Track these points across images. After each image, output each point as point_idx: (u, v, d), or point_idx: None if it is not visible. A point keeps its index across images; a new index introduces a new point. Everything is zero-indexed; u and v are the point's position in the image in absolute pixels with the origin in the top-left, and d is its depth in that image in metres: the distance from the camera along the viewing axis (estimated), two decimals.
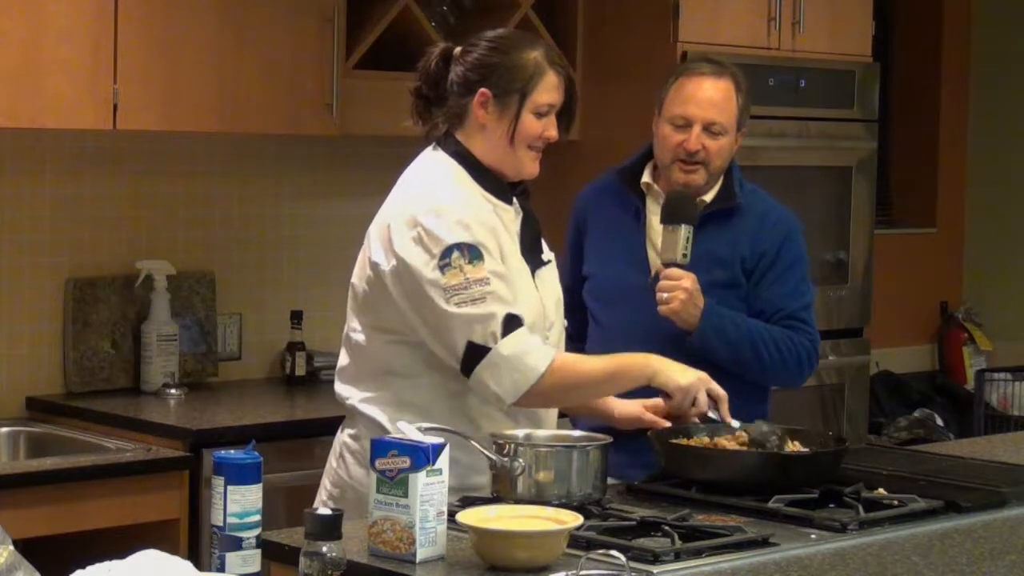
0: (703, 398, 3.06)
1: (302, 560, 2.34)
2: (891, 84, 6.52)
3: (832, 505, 2.89)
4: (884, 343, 6.14)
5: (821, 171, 5.27)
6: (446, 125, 3.09)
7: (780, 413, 3.65)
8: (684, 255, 3.41)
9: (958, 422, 6.41)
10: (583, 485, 2.80)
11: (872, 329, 5.49)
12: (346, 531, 2.43)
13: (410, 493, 2.49)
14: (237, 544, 2.46)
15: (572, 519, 2.52)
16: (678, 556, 2.53)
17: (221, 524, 2.46)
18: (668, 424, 3.25)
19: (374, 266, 3.02)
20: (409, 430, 2.58)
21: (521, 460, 2.79)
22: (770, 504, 2.83)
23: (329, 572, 2.33)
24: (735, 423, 3.12)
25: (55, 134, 4.31)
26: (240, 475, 2.46)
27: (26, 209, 4.33)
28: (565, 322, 3.23)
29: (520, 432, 2.92)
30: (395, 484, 2.50)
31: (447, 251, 2.92)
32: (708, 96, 3.51)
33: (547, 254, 3.19)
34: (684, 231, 3.40)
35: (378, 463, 2.53)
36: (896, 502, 2.91)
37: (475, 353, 2.91)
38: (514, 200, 3.11)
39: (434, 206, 2.97)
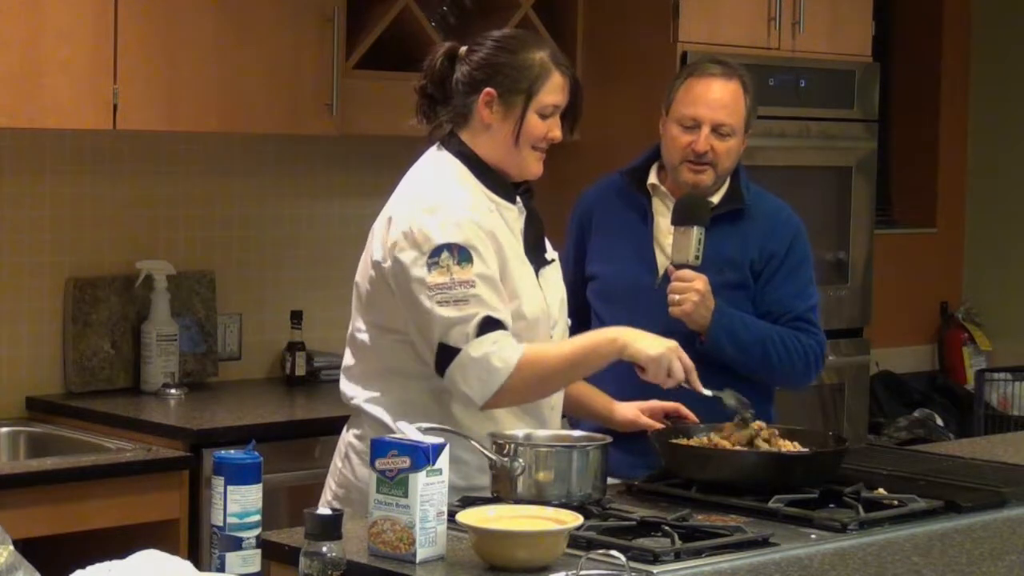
0: (677, 367, 3.00)
1: (302, 560, 2.35)
2: (891, 84, 6.52)
3: (832, 505, 2.89)
4: (884, 343, 6.14)
5: (821, 171, 5.27)
6: (450, 124, 3.09)
7: (780, 413, 3.65)
8: (696, 257, 3.41)
9: (958, 422, 6.41)
10: (583, 485, 2.80)
11: (872, 329, 5.49)
12: (347, 531, 2.44)
13: (410, 493, 2.49)
14: (237, 544, 2.46)
15: (572, 519, 2.52)
16: (678, 556, 2.53)
17: (221, 524, 2.46)
18: (664, 426, 3.25)
19: (376, 265, 3.02)
20: (409, 430, 2.58)
21: (521, 460, 2.79)
22: (770, 504, 2.84)
23: (329, 572, 2.33)
24: (707, 391, 3.11)
25: (55, 134, 4.31)
26: (240, 475, 2.46)
27: (26, 209, 4.34)
28: (569, 321, 3.23)
29: (520, 432, 2.92)
30: (395, 484, 2.50)
31: (437, 250, 2.92)
32: (717, 97, 3.52)
33: (551, 253, 3.19)
34: (696, 233, 3.41)
35: (378, 463, 2.53)
36: (896, 502, 2.91)
37: (446, 354, 2.91)
38: (518, 199, 3.12)
39: (431, 205, 2.97)
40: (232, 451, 2.50)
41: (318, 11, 4.39)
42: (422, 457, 2.49)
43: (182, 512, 3.91)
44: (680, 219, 3.44)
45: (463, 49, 3.09)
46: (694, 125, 3.51)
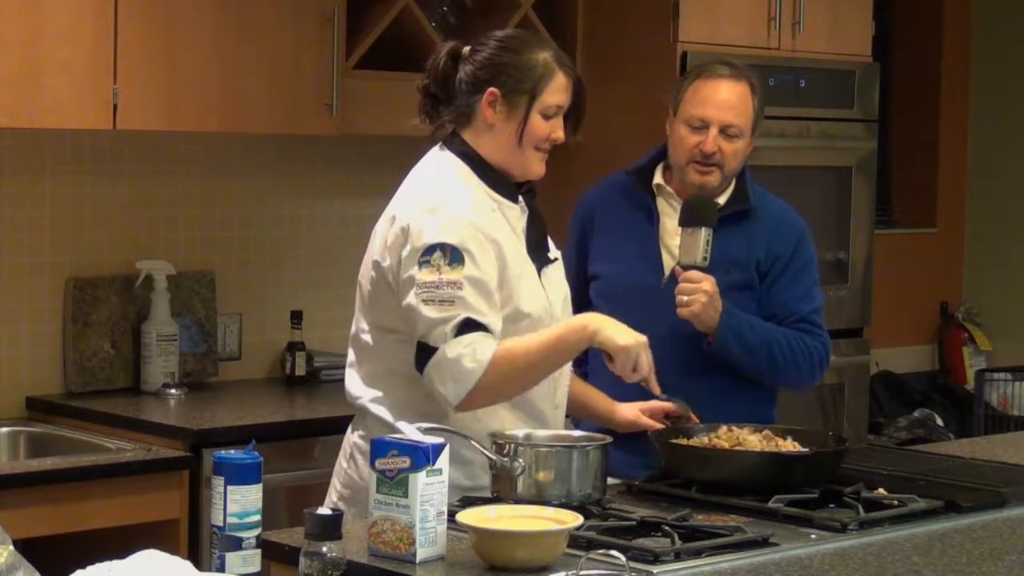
0: (643, 361, 2.99)
1: (302, 560, 2.35)
2: (891, 84, 6.52)
3: (832, 505, 2.89)
4: (884, 343, 6.14)
5: (821, 171, 5.27)
6: (453, 124, 3.09)
7: (781, 413, 3.65)
8: (704, 257, 3.41)
9: (958, 422, 6.41)
10: (583, 485, 2.80)
11: (872, 329, 5.49)
12: (347, 531, 2.44)
13: (410, 493, 2.49)
14: (237, 544, 2.46)
15: (572, 519, 2.52)
16: (678, 556, 2.53)
17: (221, 524, 2.46)
18: (664, 426, 3.25)
19: (376, 265, 3.03)
20: (409, 430, 2.58)
21: (521, 460, 2.79)
22: (770, 504, 2.84)
23: (329, 572, 2.33)
24: (662, 394, 3.12)
25: (55, 134, 4.31)
26: (240, 475, 2.46)
27: (26, 209, 4.34)
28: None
29: (520, 432, 2.92)
30: (395, 484, 2.50)
31: (430, 249, 2.92)
32: (725, 98, 3.52)
33: (553, 252, 3.19)
34: (704, 234, 3.41)
35: (378, 463, 2.53)
36: (896, 502, 2.91)
37: (424, 352, 2.91)
38: (520, 199, 3.12)
39: (432, 205, 2.97)
40: (232, 451, 2.50)
41: (318, 11, 4.39)
42: (422, 457, 2.49)
43: (182, 512, 3.91)
44: (688, 220, 3.44)
45: (466, 49, 3.09)
46: (702, 126, 3.51)
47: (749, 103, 3.55)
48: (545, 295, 3.10)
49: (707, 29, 4.88)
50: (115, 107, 4.03)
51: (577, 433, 3.02)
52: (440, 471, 2.52)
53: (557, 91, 3.06)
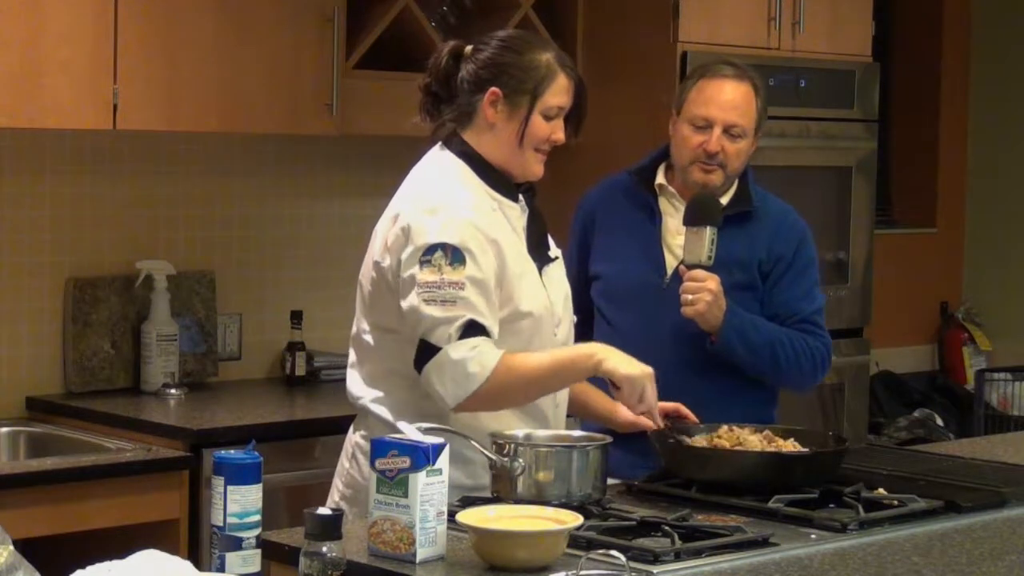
0: (650, 392, 2.99)
1: (302, 560, 2.35)
2: (891, 84, 6.52)
3: (832, 505, 2.89)
4: (884, 343, 6.14)
5: (821, 171, 5.27)
6: (453, 124, 3.09)
7: (781, 413, 3.65)
8: (709, 257, 3.41)
9: (958, 422, 6.41)
10: (583, 485, 2.80)
11: (872, 329, 5.49)
12: (347, 531, 2.43)
13: (410, 493, 2.49)
14: (237, 544, 2.46)
15: (572, 519, 2.52)
16: (678, 556, 2.53)
17: (221, 524, 2.46)
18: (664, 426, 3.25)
19: (376, 265, 3.03)
20: (409, 430, 2.58)
21: (521, 460, 2.79)
22: (770, 504, 2.84)
23: (329, 572, 2.33)
24: (663, 425, 3.13)
25: (55, 134, 4.31)
26: (240, 475, 2.46)
27: (26, 209, 4.34)
28: (575, 318, 3.23)
29: (520, 432, 2.92)
30: (395, 484, 2.50)
31: (431, 248, 2.92)
32: (729, 99, 3.52)
33: (554, 250, 3.19)
34: (709, 233, 3.41)
35: (378, 463, 2.53)
36: (896, 502, 2.91)
37: (426, 351, 2.91)
38: (520, 197, 3.12)
39: (432, 206, 2.97)
40: (232, 451, 2.50)
41: (318, 11, 4.39)
42: (422, 457, 2.49)
43: (182, 512, 3.91)
44: (692, 219, 3.45)
45: (468, 48, 3.09)
46: (706, 125, 3.51)
47: (753, 103, 3.55)
48: (546, 294, 3.10)
49: (707, 29, 4.88)
50: (115, 107, 4.03)
51: (577, 433, 3.02)
52: (440, 471, 2.52)
53: (559, 92, 3.06)
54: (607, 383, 3.03)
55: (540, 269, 3.11)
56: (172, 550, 2.34)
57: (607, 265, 3.61)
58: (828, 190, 5.30)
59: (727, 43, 4.87)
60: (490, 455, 2.81)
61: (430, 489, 2.50)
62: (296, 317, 4.74)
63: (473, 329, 2.90)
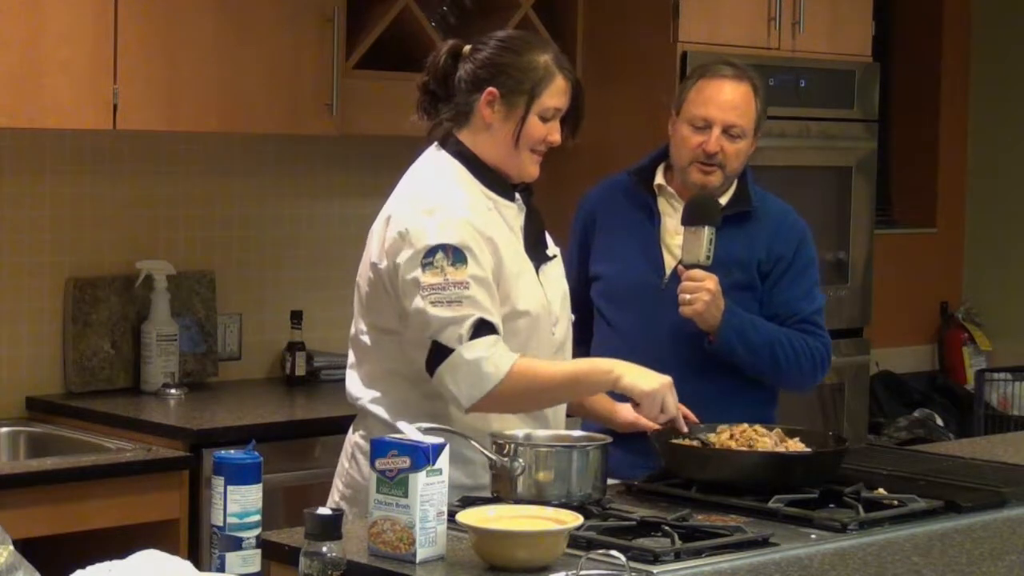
0: (671, 402, 3.01)
1: (302, 560, 2.35)
2: (891, 84, 6.52)
3: (832, 505, 2.89)
4: (884, 343, 6.14)
5: (821, 171, 5.27)
6: (451, 124, 3.09)
7: (781, 413, 3.65)
8: (707, 256, 3.41)
9: (958, 422, 6.41)
10: (583, 485, 2.80)
11: (872, 329, 5.49)
12: (347, 531, 2.43)
13: (410, 493, 2.49)
14: (237, 544, 2.46)
15: (572, 519, 2.52)
16: (678, 556, 2.53)
17: (221, 524, 2.46)
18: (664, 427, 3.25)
19: (373, 267, 3.03)
20: (409, 430, 2.58)
21: (521, 460, 2.79)
22: (770, 504, 2.84)
23: (329, 572, 2.33)
24: (686, 431, 3.12)
25: (55, 134, 4.31)
26: (240, 475, 2.46)
27: (26, 209, 4.33)
28: (572, 317, 3.23)
29: (520, 432, 2.92)
30: (395, 484, 2.50)
31: (431, 251, 2.92)
32: (729, 99, 3.52)
33: (552, 249, 3.19)
34: (707, 233, 3.41)
35: (378, 463, 2.53)
36: (896, 502, 2.91)
37: (439, 353, 2.91)
38: (517, 196, 3.12)
39: (427, 206, 2.97)
40: (232, 451, 2.50)
41: (318, 11, 4.39)
42: (422, 457, 2.49)
43: (182, 512, 3.91)
44: (691, 219, 3.44)
45: (467, 48, 3.09)
46: (705, 126, 3.51)
47: (752, 104, 3.55)
48: (543, 292, 3.10)
49: (707, 29, 4.88)
50: (115, 107, 4.03)
51: (577, 433, 3.02)
52: (440, 471, 2.52)
53: (556, 94, 3.06)
54: (627, 398, 3.04)
55: (537, 268, 3.11)
56: (172, 550, 2.34)
57: (606, 265, 3.61)
58: (828, 190, 5.30)
59: (727, 43, 4.87)
60: (490, 455, 2.82)
61: (430, 489, 2.50)
62: (296, 317, 4.74)
63: (483, 328, 2.90)
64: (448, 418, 2.97)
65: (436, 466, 2.51)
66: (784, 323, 3.52)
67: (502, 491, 2.81)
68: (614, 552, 2.38)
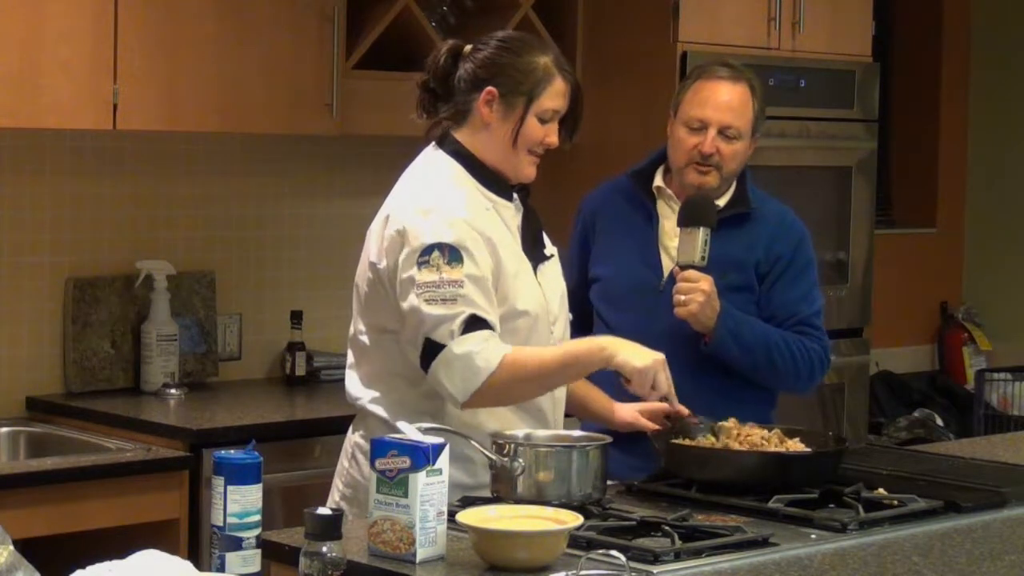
0: (662, 379, 2.99)
1: (302, 560, 2.34)
2: (891, 84, 6.52)
3: (832, 505, 2.89)
4: (884, 343, 6.14)
5: (821, 171, 5.27)
6: (449, 122, 3.09)
7: (781, 413, 3.65)
8: (702, 257, 3.41)
9: (958, 422, 6.41)
10: (583, 485, 2.80)
11: (872, 329, 5.49)
12: (347, 531, 2.43)
13: (410, 493, 2.49)
14: (237, 544, 2.46)
15: (572, 519, 2.52)
16: (678, 556, 2.53)
17: (221, 524, 2.46)
18: (664, 427, 3.25)
19: (372, 266, 3.03)
20: (409, 430, 2.58)
21: (521, 460, 2.79)
22: (770, 504, 2.84)
23: (329, 572, 2.33)
24: (685, 410, 3.12)
25: (55, 134, 4.31)
26: (240, 475, 2.46)
27: (26, 209, 4.33)
28: (571, 316, 3.23)
29: (520, 432, 2.92)
30: (395, 484, 2.50)
31: (428, 249, 2.92)
32: (725, 100, 3.52)
33: (550, 248, 3.19)
34: (702, 234, 3.41)
35: (378, 463, 2.53)
36: (896, 502, 2.91)
37: (431, 350, 2.91)
38: (514, 196, 3.12)
39: (426, 207, 2.97)
40: (232, 451, 2.50)
41: (318, 11, 4.39)
42: (422, 457, 2.49)
43: (182, 512, 3.91)
44: (686, 220, 3.44)
45: (467, 48, 3.09)
46: (701, 127, 3.51)
47: (749, 105, 3.54)
48: (541, 292, 3.10)
49: (707, 29, 4.88)
50: (115, 107, 4.03)
51: (577, 433, 3.02)
52: (440, 471, 2.52)
53: (555, 96, 3.06)
54: (618, 376, 3.02)
55: (535, 267, 3.11)
56: (172, 550, 2.34)
57: (605, 267, 3.61)
58: (828, 190, 5.29)
59: (727, 43, 4.87)
60: (490, 455, 2.82)
61: (430, 489, 2.50)
62: (296, 317, 4.74)
63: (475, 324, 2.90)
64: (447, 417, 2.97)
65: (436, 466, 2.51)
66: (782, 325, 3.52)
67: (502, 491, 2.81)
68: (614, 552, 2.38)
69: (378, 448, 2.54)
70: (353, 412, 3.17)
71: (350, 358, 3.14)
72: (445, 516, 2.53)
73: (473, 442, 2.84)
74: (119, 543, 2.97)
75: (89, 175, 4.44)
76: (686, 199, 3.50)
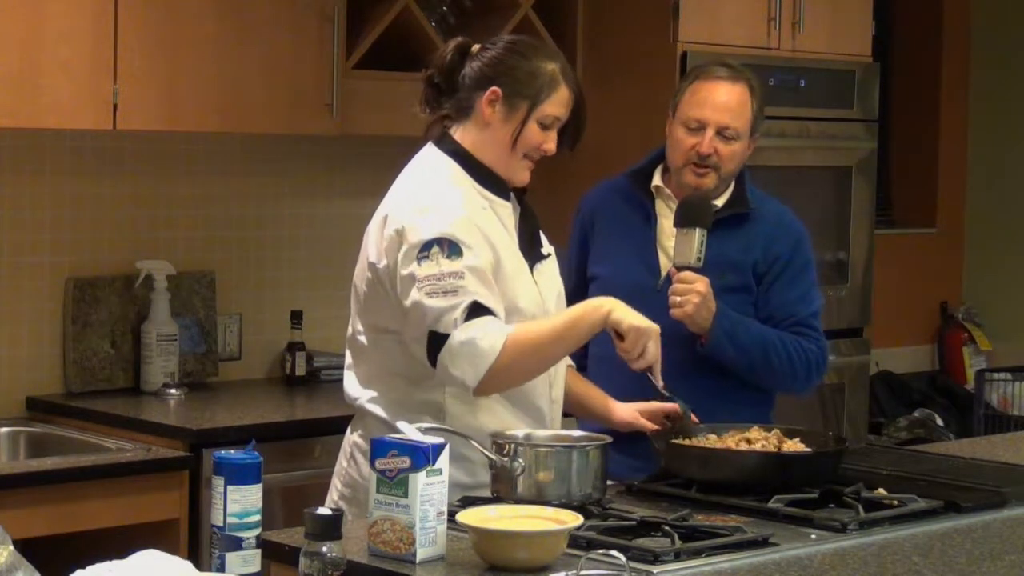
0: (652, 347, 2.99)
1: (302, 560, 2.34)
2: (891, 84, 6.52)
3: (832, 505, 2.89)
4: (884, 343, 6.14)
5: (821, 171, 5.27)
6: (450, 121, 3.09)
7: (780, 413, 3.65)
8: (698, 258, 3.40)
9: (958, 422, 6.41)
10: (583, 485, 2.80)
11: (872, 329, 5.49)
12: (347, 531, 2.43)
13: (410, 493, 2.49)
14: (237, 544, 2.46)
15: (572, 519, 2.52)
16: (678, 556, 2.53)
17: (221, 524, 2.46)
18: (663, 428, 3.25)
19: (371, 266, 3.03)
20: (409, 430, 2.58)
21: (521, 460, 2.79)
22: (770, 504, 2.84)
23: (329, 572, 2.33)
24: (664, 391, 3.11)
25: (55, 134, 4.31)
26: (240, 475, 2.46)
27: (26, 209, 4.34)
28: None
29: (520, 432, 2.93)
30: (395, 484, 2.50)
31: (427, 244, 2.92)
32: (723, 100, 3.51)
33: (546, 248, 3.19)
34: (698, 235, 3.40)
35: (378, 463, 2.53)
36: (896, 502, 2.91)
37: (436, 342, 2.91)
38: (511, 195, 3.12)
39: (424, 205, 2.98)
40: (232, 451, 2.50)
41: (318, 11, 4.39)
42: (422, 457, 2.49)
43: (182, 512, 3.91)
44: (682, 221, 3.44)
45: (476, 47, 3.10)
46: (699, 127, 3.51)
47: (747, 105, 3.54)
48: (538, 291, 3.10)
49: (707, 29, 4.88)
50: (115, 107, 4.03)
51: (577, 433, 3.02)
52: (440, 471, 2.52)
53: (558, 103, 3.06)
54: (604, 346, 3.01)
55: (532, 267, 3.11)
56: (172, 550, 2.34)
57: (603, 267, 3.61)
58: (828, 190, 5.29)
59: (727, 43, 4.87)
60: (490, 455, 2.82)
61: (430, 489, 2.50)
62: (296, 317, 4.74)
63: (477, 310, 2.90)
64: (446, 417, 2.97)
65: (436, 466, 2.51)
66: (779, 325, 3.52)
67: (502, 491, 2.81)
68: (614, 552, 2.38)
69: (378, 448, 2.54)
70: (353, 412, 3.17)
71: (348, 358, 3.14)
72: (445, 516, 2.53)
73: (473, 442, 2.84)
74: (119, 543, 2.98)
75: (89, 175, 4.44)
76: (682, 200, 3.50)
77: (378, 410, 3.05)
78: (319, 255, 4.90)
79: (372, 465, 2.54)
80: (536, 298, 3.09)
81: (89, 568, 2.20)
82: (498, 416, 3.03)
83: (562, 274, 3.24)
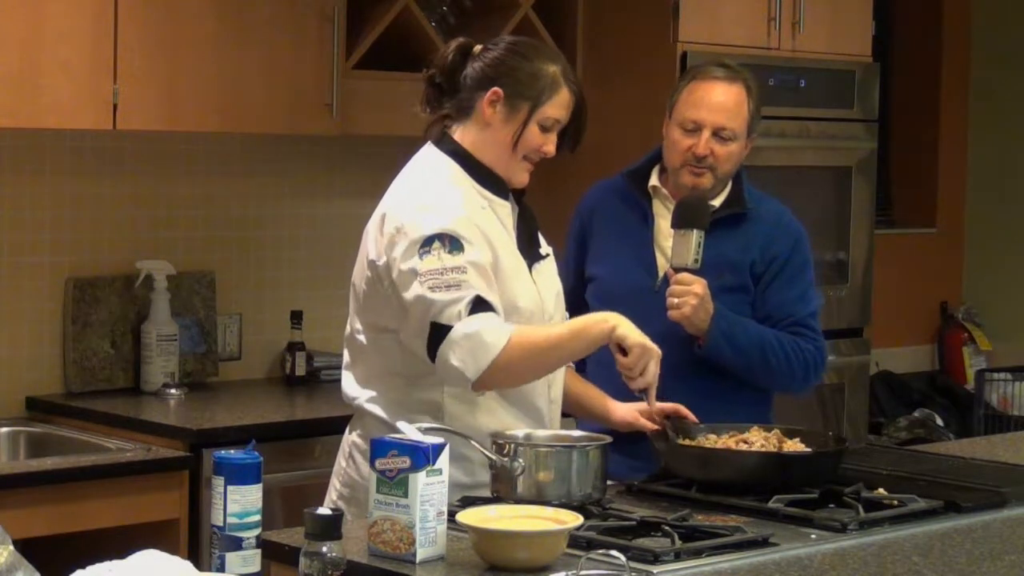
0: (653, 369, 2.99)
1: (302, 560, 2.35)
2: (891, 84, 6.52)
3: (832, 505, 2.89)
4: (884, 343, 6.14)
5: (821, 171, 5.27)
6: (450, 120, 3.09)
7: (780, 413, 3.65)
8: (696, 260, 3.40)
9: (958, 422, 6.41)
10: (583, 485, 2.80)
11: (872, 329, 5.49)
12: (347, 531, 2.43)
13: (410, 493, 2.49)
14: (237, 544, 2.46)
15: (572, 519, 2.52)
16: (678, 556, 2.53)
17: (221, 524, 2.46)
18: (664, 427, 3.25)
19: (371, 264, 3.03)
20: (409, 430, 2.58)
21: (521, 460, 2.79)
22: (770, 504, 2.84)
23: (329, 572, 2.33)
24: (656, 406, 3.12)
25: (55, 134, 4.31)
26: (240, 475, 2.46)
27: (26, 209, 4.34)
28: (567, 315, 3.23)
29: (520, 432, 2.93)
30: (395, 484, 2.50)
31: (428, 240, 2.92)
32: (719, 101, 3.51)
33: (545, 248, 3.19)
34: (696, 236, 3.40)
35: (378, 463, 2.53)
36: (896, 502, 2.91)
37: (438, 333, 2.91)
38: (510, 195, 3.12)
39: (423, 204, 2.98)
40: (232, 451, 2.50)
41: (318, 11, 4.39)
42: (422, 457, 2.49)
43: (182, 512, 3.91)
44: (680, 222, 3.44)
45: (478, 47, 3.10)
46: (695, 128, 3.50)
47: (744, 105, 3.53)
48: (536, 291, 3.10)
49: (707, 29, 4.88)
50: (115, 107, 4.03)
51: (577, 433, 3.02)
52: (440, 471, 2.52)
53: (559, 106, 3.07)
54: (612, 350, 3.01)
55: (531, 266, 3.11)
56: (172, 550, 2.34)
57: (601, 267, 3.61)
58: (828, 190, 5.29)
59: (727, 43, 4.87)
60: (490, 455, 2.82)
61: (430, 489, 2.50)
62: (296, 317, 4.74)
63: (481, 305, 2.90)
64: (446, 417, 2.97)
65: (436, 466, 2.51)
66: (777, 325, 3.51)
67: (502, 491, 2.81)
68: (614, 552, 2.38)
69: (378, 448, 2.54)
70: (351, 412, 3.17)
71: (346, 358, 3.14)
72: (445, 516, 2.53)
73: (473, 442, 2.84)
74: (119, 543, 2.98)
75: (89, 175, 4.44)
76: (679, 201, 3.50)
77: (377, 410, 3.05)
78: (319, 255, 4.90)
79: (372, 465, 2.54)
80: (535, 298, 3.09)
81: (89, 568, 2.20)
82: (497, 416, 3.03)
83: (560, 274, 3.24)
